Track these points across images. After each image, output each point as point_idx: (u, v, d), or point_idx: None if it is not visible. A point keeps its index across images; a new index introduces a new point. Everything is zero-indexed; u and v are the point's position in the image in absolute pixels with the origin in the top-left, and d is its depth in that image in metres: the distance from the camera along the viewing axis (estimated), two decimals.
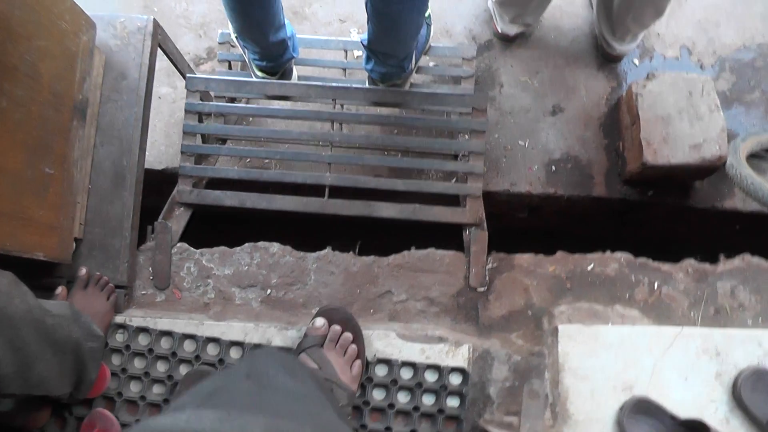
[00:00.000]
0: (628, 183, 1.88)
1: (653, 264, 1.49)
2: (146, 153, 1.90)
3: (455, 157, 1.76)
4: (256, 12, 1.50)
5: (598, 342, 1.37)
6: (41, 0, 1.22)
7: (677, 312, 1.45)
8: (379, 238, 2.37)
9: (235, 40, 1.77)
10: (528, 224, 2.12)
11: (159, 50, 1.55)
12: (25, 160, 1.19)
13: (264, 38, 1.59)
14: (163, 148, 1.96)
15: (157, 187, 1.99)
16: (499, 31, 2.01)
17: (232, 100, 1.85)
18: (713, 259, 1.54)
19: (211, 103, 1.69)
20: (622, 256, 1.50)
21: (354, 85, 1.68)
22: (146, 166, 1.90)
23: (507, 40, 2.05)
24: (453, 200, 1.63)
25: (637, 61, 2.07)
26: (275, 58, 1.68)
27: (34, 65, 1.18)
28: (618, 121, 1.92)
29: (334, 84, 1.67)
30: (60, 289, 1.37)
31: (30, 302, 1.08)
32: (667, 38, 2.09)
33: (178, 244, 1.56)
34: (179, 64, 1.62)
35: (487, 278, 1.50)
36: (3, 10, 1.09)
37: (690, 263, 1.51)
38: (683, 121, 1.74)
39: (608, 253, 1.51)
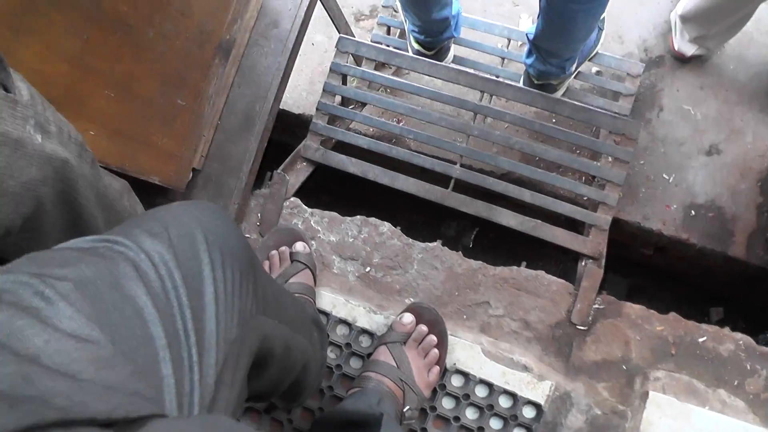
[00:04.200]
0: None
1: None
2: (287, 96, 1.93)
3: (591, 179, 1.66)
4: None
5: (688, 422, 1.28)
6: None
7: None
8: (488, 233, 2.31)
9: (398, 5, 1.72)
10: (649, 261, 1.99)
11: (319, 3, 1.53)
12: (159, 89, 1.22)
13: (427, 14, 1.53)
14: (304, 94, 1.96)
15: (290, 129, 2.02)
16: (675, 48, 1.84)
17: (382, 65, 1.81)
18: None
19: (356, 67, 1.66)
20: (742, 339, 1.36)
21: (506, 81, 1.60)
22: (284, 108, 1.93)
23: (681, 60, 1.88)
24: (576, 226, 1.55)
25: None
26: (435, 34, 1.62)
27: (187, 2, 1.20)
28: None
29: (485, 75, 1.60)
30: None
31: None
32: None
33: (292, 198, 1.57)
34: (336, 20, 1.60)
35: (590, 318, 1.43)
36: None
37: None
38: None
39: (726, 330, 1.38)
